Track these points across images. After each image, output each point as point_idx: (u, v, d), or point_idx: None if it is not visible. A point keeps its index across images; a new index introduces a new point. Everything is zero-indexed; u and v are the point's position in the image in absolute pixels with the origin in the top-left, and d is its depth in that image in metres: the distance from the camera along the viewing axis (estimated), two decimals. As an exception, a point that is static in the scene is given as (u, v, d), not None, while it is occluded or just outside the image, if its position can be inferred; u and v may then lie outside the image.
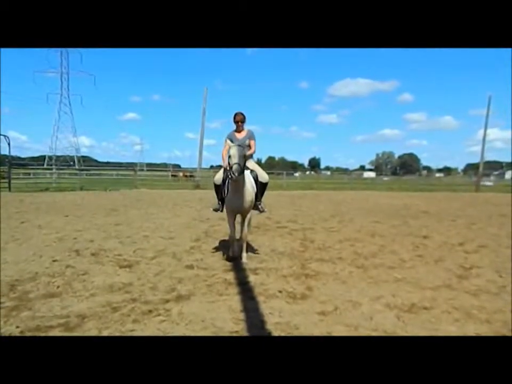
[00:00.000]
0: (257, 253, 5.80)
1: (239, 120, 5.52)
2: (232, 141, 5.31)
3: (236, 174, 4.60)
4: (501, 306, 3.66)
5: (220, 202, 5.54)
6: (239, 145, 4.84)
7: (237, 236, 5.59)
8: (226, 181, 5.19)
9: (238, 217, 5.52)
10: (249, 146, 5.46)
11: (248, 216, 5.35)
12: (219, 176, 5.55)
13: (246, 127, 5.69)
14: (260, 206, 5.49)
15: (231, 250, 5.46)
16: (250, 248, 5.91)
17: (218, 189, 5.54)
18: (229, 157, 4.73)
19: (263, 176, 5.57)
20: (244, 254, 5.33)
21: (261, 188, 5.50)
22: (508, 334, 3.03)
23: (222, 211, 5.58)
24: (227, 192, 5.16)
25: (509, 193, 21.64)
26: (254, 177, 5.37)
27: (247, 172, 5.09)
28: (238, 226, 5.65)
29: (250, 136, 5.55)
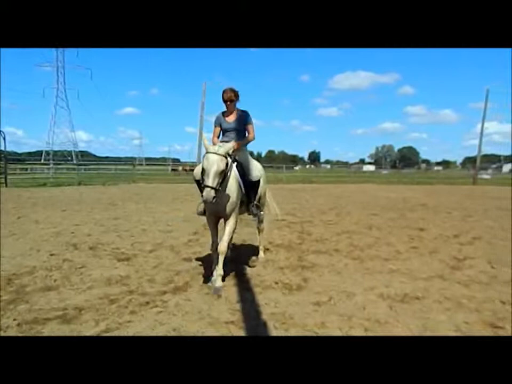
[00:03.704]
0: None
1: (228, 100, 4.28)
2: (221, 126, 4.41)
3: (208, 200, 3.49)
4: (490, 296, 3.72)
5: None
6: (216, 154, 3.62)
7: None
8: None
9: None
10: (246, 132, 4.43)
11: (231, 222, 4.05)
12: (199, 168, 4.14)
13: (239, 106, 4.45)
14: (252, 209, 4.36)
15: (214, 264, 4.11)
16: (230, 264, 4.61)
17: (200, 185, 4.14)
18: (202, 170, 3.64)
19: (252, 173, 4.33)
20: (219, 272, 3.90)
21: (251, 186, 4.30)
22: (496, 323, 3.09)
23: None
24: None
25: (505, 186, 21.72)
26: (239, 170, 4.15)
27: (232, 165, 3.99)
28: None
29: (246, 120, 4.39)
